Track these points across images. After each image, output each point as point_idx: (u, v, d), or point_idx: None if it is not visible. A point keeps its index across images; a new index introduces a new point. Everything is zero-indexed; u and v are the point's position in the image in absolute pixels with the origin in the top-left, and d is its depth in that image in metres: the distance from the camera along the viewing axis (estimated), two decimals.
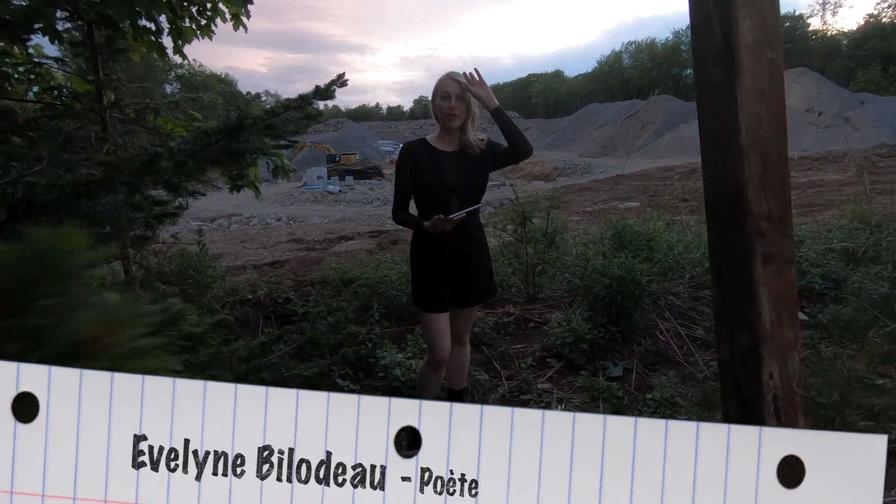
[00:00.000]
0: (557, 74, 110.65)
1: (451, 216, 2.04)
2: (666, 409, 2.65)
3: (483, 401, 2.89)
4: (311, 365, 1.56)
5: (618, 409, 2.64)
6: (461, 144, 2.18)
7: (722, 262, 0.90)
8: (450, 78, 2.10)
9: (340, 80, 1.60)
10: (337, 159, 37.91)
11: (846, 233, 4.75)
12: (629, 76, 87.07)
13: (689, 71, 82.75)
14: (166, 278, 3.79)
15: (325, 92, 1.23)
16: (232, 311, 3.91)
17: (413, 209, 2.28)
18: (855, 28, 65.94)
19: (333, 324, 1.63)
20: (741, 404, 0.92)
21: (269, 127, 1.13)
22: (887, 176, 13.65)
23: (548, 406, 2.79)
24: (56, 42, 3.19)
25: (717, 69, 0.84)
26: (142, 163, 0.82)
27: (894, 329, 3.29)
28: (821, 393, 2.59)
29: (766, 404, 0.87)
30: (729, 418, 0.96)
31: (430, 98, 2.23)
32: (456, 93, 2.08)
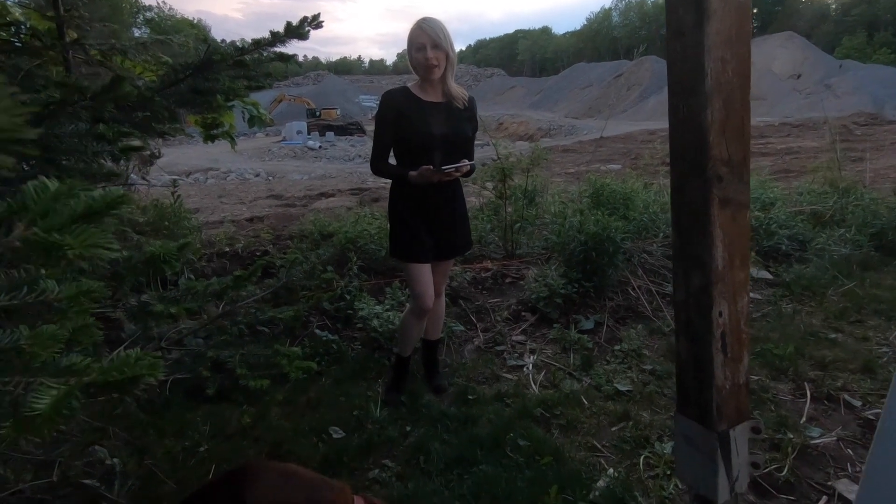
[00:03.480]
0: (545, 31, 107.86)
1: (444, 168, 2.03)
2: (633, 360, 2.77)
3: (458, 351, 2.98)
4: (286, 309, 1.58)
5: (587, 360, 2.75)
6: (445, 95, 2.15)
7: (681, 207, 0.94)
8: (420, 28, 2.02)
9: (315, 21, 1.55)
10: (317, 114, 36.85)
11: (815, 196, 4.88)
12: (618, 35, 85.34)
13: None
14: (140, 228, 3.73)
15: (296, 29, 1.19)
16: (209, 263, 3.88)
17: (390, 160, 2.26)
18: None
19: (309, 270, 1.64)
20: (691, 341, 0.97)
21: (239, 64, 1.10)
22: (862, 143, 13.89)
23: (521, 356, 2.89)
24: None
25: (687, 13, 0.85)
26: (104, 85, 0.79)
27: (851, 288, 3.46)
28: (777, 345, 2.73)
29: (714, 340, 0.93)
30: (680, 356, 1.02)
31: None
32: (430, 42, 2.01)
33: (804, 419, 2.13)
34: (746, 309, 0.95)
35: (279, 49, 1.28)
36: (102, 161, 0.91)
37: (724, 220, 0.89)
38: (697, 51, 0.84)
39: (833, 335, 2.91)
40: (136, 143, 0.94)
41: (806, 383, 2.42)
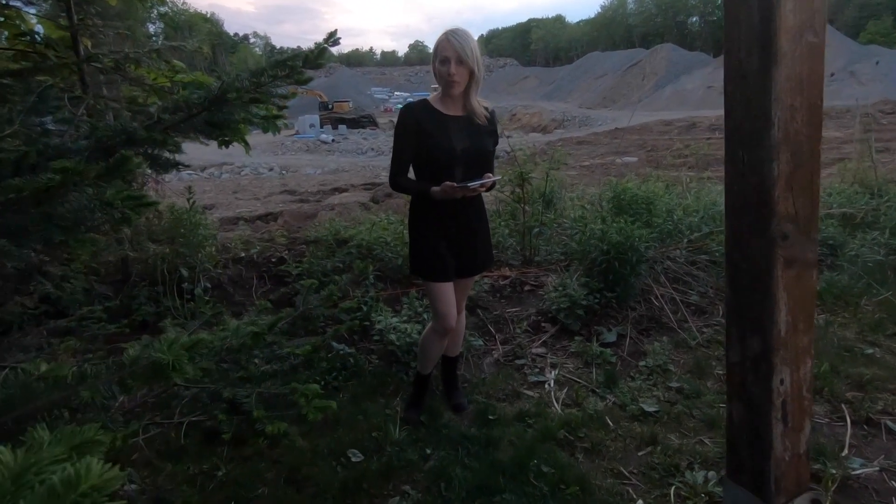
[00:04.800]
0: (559, 20, 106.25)
1: (469, 184, 1.96)
2: (658, 376, 2.68)
3: (478, 365, 2.92)
4: (303, 343, 1.53)
5: (611, 376, 2.67)
6: (466, 109, 2.07)
7: (739, 264, 0.85)
8: (448, 40, 1.93)
9: (332, 38, 1.48)
10: (329, 107, 36.90)
11: (846, 197, 4.70)
12: (633, 23, 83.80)
13: (694, 18, 79.43)
14: (156, 237, 3.71)
15: (315, 59, 1.13)
16: (224, 269, 3.86)
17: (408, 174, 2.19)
18: None
19: (326, 297, 1.60)
20: (747, 407, 0.89)
21: (254, 100, 1.04)
22: (888, 133, 13.46)
23: (541, 371, 2.82)
24: None
25: (751, 56, 0.76)
26: (107, 167, 0.73)
27: (886, 297, 3.31)
28: None
29: (775, 409, 0.85)
30: (732, 419, 0.94)
31: (426, 49, 2.10)
32: (455, 57, 1.93)
33: (846, 450, 2.03)
34: (810, 375, 0.87)
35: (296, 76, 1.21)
36: (109, 222, 0.86)
37: (788, 281, 0.81)
38: (763, 98, 0.75)
39: (869, 350, 2.79)
40: (146, 200, 0.89)
41: (843, 405, 2.32)
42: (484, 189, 2.09)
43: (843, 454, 1.99)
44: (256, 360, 1.58)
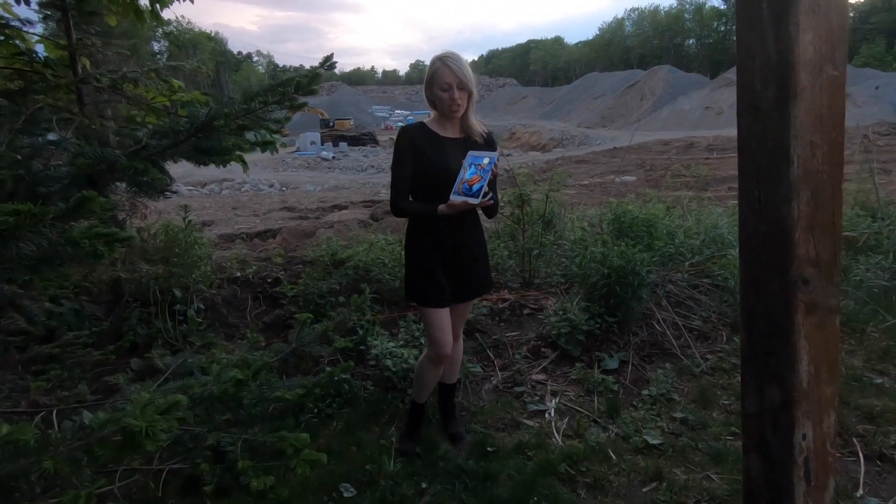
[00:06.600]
0: (558, 41, 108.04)
1: (478, 198, 1.88)
2: (662, 406, 2.60)
3: (476, 392, 2.84)
4: (294, 385, 1.46)
5: (613, 406, 2.59)
6: (463, 131, 2.05)
7: (755, 309, 0.80)
8: (446, 65, 1.91)
9: (327, 62, 1.45)
10: (331, 124, 37.25)
11: (847, 220, 4.66)
12: (631, 44, 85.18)
13: (691, 41, 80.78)
14: (150, 257, 3.65)
15: (307, 85, 1.09)
16: (219, 290, 3.80)
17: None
18: (862, 0, 64.24)
19: (321, 333, 1.53)
20: (766, 462, 0.83)
21: (243, 127, 1.00)
22: (885, 155, 13.53)
23: (542, 400, 2.74)
24: (23, 1, 2.94)
25: (767, 89, 0.71)
26: (66, 209, 0.68)
27: (893, 324, 3.25)
28: None
29: (797, 467, 0.78)
30: (750, 474, 0.87)
31: (426, 68, 2.07)
32: (457, 83, 1.91)
33: (860, 490, 1.95)
34: (834, 428, 0.81)
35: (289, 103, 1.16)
36: (78, 260, 0.81)
37: (809, 328, 0.75)
38: (781, 133, 0.70)
39: (878, 380, 2.71)
40: (121, 235, 0.83)
41: (855, 439, 2.23)
42: (486, 199, 1.98)
43: (858, 494, 1.91)
44: (245, 402, 1.51)
